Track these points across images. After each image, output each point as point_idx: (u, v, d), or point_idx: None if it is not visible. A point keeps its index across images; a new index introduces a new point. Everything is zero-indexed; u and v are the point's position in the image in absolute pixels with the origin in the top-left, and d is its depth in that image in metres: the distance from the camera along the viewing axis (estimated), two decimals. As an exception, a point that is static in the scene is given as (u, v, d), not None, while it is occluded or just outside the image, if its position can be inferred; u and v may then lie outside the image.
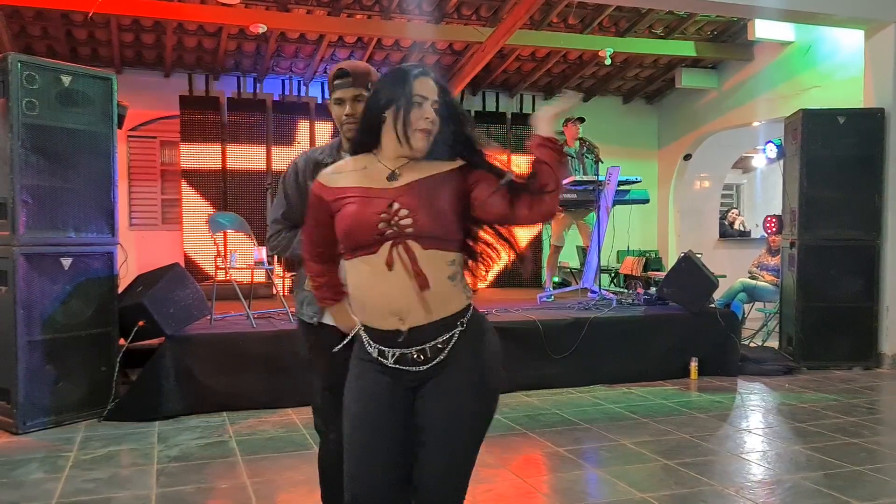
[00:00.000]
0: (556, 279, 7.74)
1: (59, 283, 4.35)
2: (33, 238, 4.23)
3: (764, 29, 7.53)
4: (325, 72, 8.35)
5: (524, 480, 3.48)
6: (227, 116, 8.18)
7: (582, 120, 7.18)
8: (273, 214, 2.39)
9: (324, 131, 8.40)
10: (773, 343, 6.78)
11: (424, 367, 1.76)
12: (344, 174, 1.81)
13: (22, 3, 6.14)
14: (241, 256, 6.21)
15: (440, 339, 1.76)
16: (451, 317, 1.78)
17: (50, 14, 6.79)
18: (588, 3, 7.11)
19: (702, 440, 4.08)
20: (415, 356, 1.75)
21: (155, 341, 4.68)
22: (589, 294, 6.60)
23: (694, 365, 5.66)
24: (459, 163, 1.81)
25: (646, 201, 7.28)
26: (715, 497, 3.23)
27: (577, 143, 7.14)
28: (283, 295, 6.07)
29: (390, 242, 1.70)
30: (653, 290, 6.93)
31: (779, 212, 6.81)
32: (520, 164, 8.72)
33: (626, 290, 7.71)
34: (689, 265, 6.05)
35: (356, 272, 1.77)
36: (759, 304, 7.67)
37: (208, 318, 5.11)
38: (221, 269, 5.81)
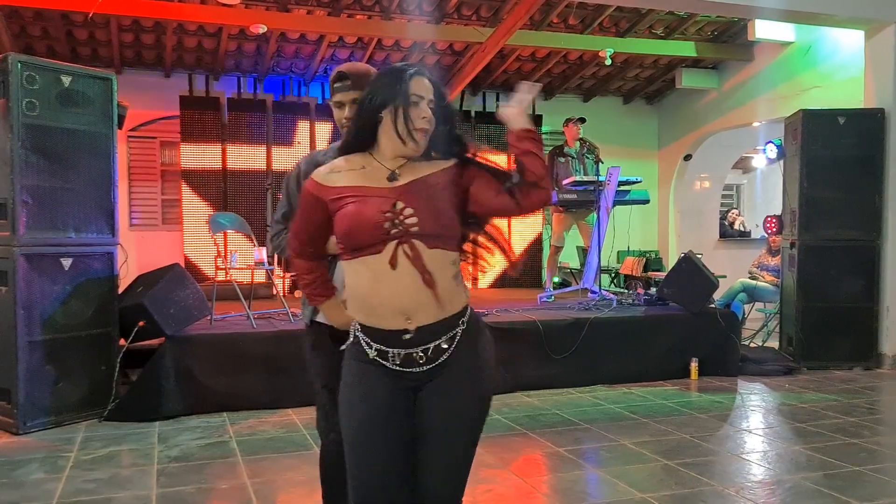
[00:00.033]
0: (556, 279, 7.74)
1: (59, 284, 4.35)
2: (33, 238, 4.23)
3: (764, 29, 7.53)
4: (326, 72, 8.36)
5: (524, 480, 3.48)
6: (228, 117, 8.18)
7: (583, 120, 7.18)
8: (276, 215, 2.44)
9: (324, 132, 8.40)
10: (774, 343, 6.78)
11: (427, 368, 1.76)
12: (342, 173, 1.79)
13: (22, 3, 6.14)
14: (242, 257, 6.21)
15: (444, 339, 1.76)
16: (453, 316, 1.78)
17: (50, 14, 6.79)
18: (588, 4, 7.11)
19: (702, 440, 4.08)
20: (419, 356, 1.75)
21: (155, 341, 4.67)
22: (589, 294, 6.60)
23: (694, 365, 5.66)
24: (453, 161, 1.83)
25: (646, 202, 7.28)
26: (715, 497, 3.23)
27: (578, 143, 7.14)
28: (283, 295, 6.07)
29: (395, 242, 1.71)
30: (653, 290, 6.93)
31: (779, 212, 6.81)
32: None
33: (626, 291, 7.71)
34: (689, 265, 6.05)
35: (358, 272, 1.75)
36: (759, 305, 7.67)
37: (208, 318, 5.11)
38: (222, 269, 5.81)
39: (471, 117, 9.04)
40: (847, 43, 7.09)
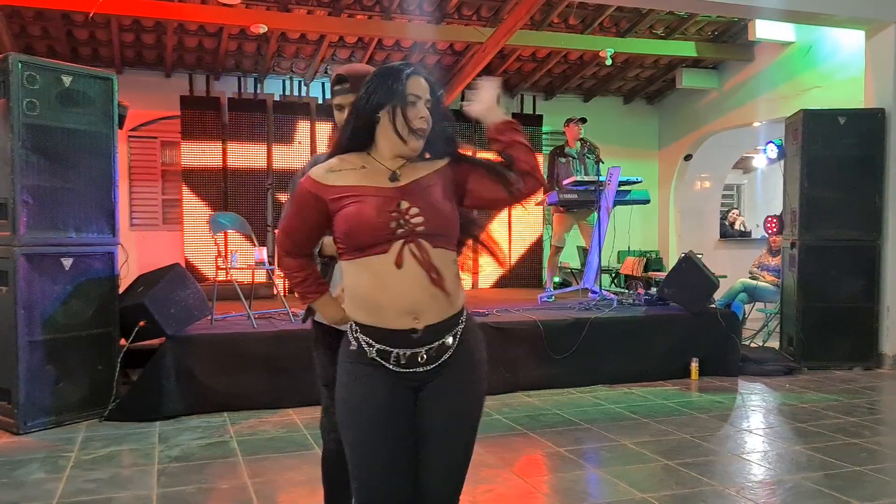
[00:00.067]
0: (556, 279, 7.74)
1: (59, 284, 4.35)
2: (34, 238, 4.23)
3: (764, 29, 7.53)
4: (326, 72, 8.36)
5: (525, 480, 3.49)
6: (228, 116, 8.18)
7: (584, 120, 7.17)
8: (283, 221, 2.44)
9: (325, 132, 8.40)
10: (774, 343, 6.78)
11: (430, 367, 1.76)
12: (342, 173, 1.77)
13: (22, 3, 6.14)
14: (242, 256, 6.21)
15: (447, 338, 1.77)
16: (455, 315, 1.80)
17: (50, 14, 6.79)
18: (589, 4, 7.11)
19: (702, 440, 4.08)
20: (422, 356, 1.75)
21: (156, 341, 4.67)
22: (590, 294, 6.60)
23: (694, 365, 5.66)
24: (446, 160, 1.84)
25: (646, 202, 7.28)
26: (716, 497, 3.23)
27: (579, 143, 7.14)
28: (284, 295, 6.07)
29: (401, 241, 1.71)
30: (653, 290, 6.93)
31: (779, 212, 6.81)
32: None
33: (626, 291, 7.72)
34: (689, 265, 6.05)
35: (361, 272, 1.74)
36: (759, 305, 7.67)
37: (209, 318, 5.11)
38: (222, 269, 5.81)
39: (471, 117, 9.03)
40: (847, 43, 7.09)
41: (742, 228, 11.41)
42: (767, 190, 12.24)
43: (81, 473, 3.53)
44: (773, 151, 6.70)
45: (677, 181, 10.01)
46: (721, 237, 10.59)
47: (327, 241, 2.05)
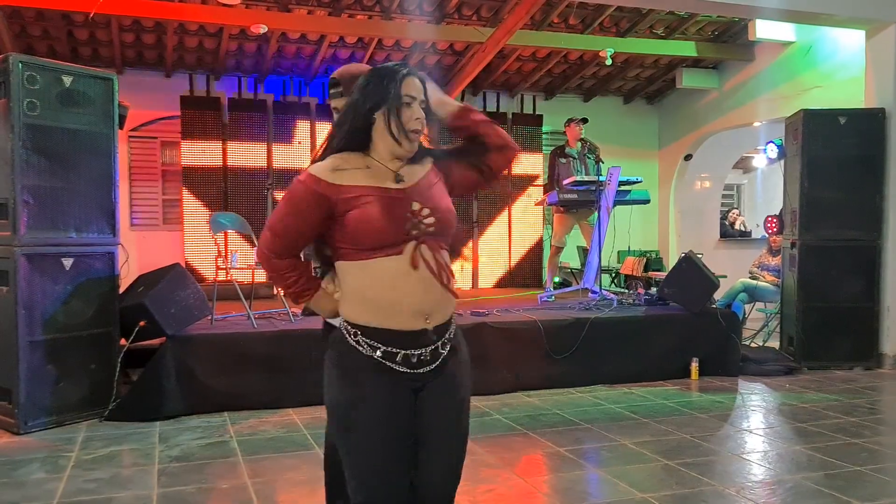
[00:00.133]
0: (556, 279, 7.74)
1: (60, 284, 4.35)
2: (34, 238, 4.23)
3: (765, 29, 7.53)
4: (326, 72, 8.36)
5: (525, 480, 3.49)
6: (228, 117, 8.18)
7: (585, 121, 7.17)
8: None
9: (325, 132, 8.38)
10: (774, 343, 6.78)
11: (432, 367, 1.78)
12: (348, 172, 1.75)
13: (23, 3, 6.15)
14: (242, 256, 6.21)
15: (445, 337, 1.81)
16: (452, 315, 1.84)
17: (51, 14, 6.79)
18: (589, 4, 7.11)
19: (703, 440, 4.08)
20: (428, 356, 1.77)
21: (156, 341, 4.67)
22: (590, 294, 6.60)
23: (695, 365, 5.66)
24: (430, 161, 1.87)
25: (646, 201, 7.28)
26: (716, 497, 3.23)
27: (579, 143, 7.13)
28: (284, 295, 6.07)
29: (413, 242, 1.72)
30: (653, 290, 6.93)
31: (779, 212, 6.81)
32: (523, 160, 8.63)
33: (626, 291, 7.72)
34: (689, 265, 6.05)
35: (371, 273, 1.73)
36: (759, 305, 7.67)
37: (209, 318, 5.11)
38: (222, 269, 5.81)
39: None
40: (848, 43, 7.09)
41: (742, 228, 11.41)
42: (767, 190, 12.24)
43: (82, 473, 3.53)
44: (773, 151, 6.70)
45: (677, 181, 10.01)
46: (721, 237, 10.59)
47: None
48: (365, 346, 1.74)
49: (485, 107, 9.24)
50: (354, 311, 1.77)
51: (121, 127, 4.72)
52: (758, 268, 7.66)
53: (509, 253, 9.16)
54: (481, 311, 5.76)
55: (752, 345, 6.95)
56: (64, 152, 4.36)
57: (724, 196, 11.28)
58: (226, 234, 7.06)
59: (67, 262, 4.39)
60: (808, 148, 6.08)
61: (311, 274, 1.86)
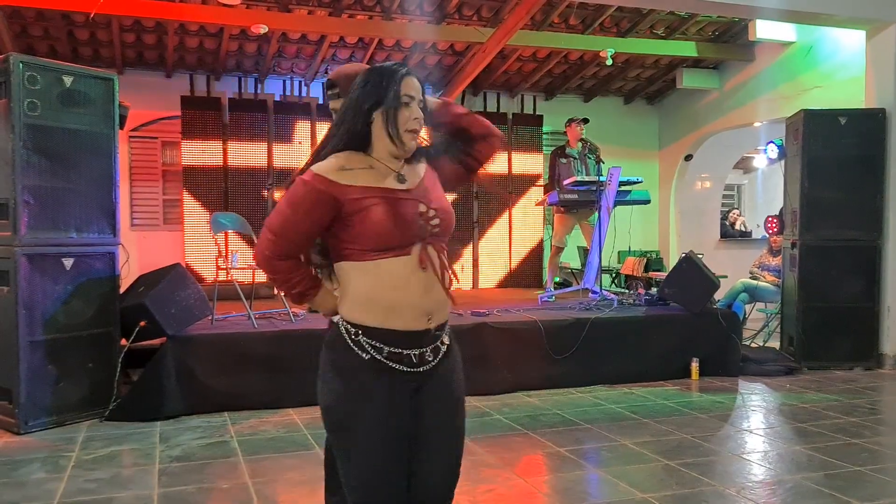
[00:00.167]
0: (557, 279, 7.74)
1: (60, 284, 4.36)
2: (35, 238, 4.24)
3: (765, 29, 7.53)
4: (327, 72, 8.36)
5: (525, 480, 3.49)
6: (229, 117, 8.18)
7: (586, 121, 7.17)
8: None
9: (325, 132, 8.39)
10: (775, 343, 6.78)
11: (431, 366, 1.79)
12: (354, 172, 1.74)
13: (23, 3, 6.15)
14: (243, 256, 6.21)
15: (443, 336, 1.83)
16: (448, 315, 1.86)
17: (51, 14, 6.79)
18: (589, 4, 7.11)
19: (703, 440, 4.08)
20: (430, 355, 1.78)
21: (156, 341, 4.68)
22: (590, 294, 6.60)
23: (695, 365, 5.66)
24: (424, 161, 1.88)
25: (647, 202, 7.28)
26: (716, 497, 3.23)
27: (580, 143, 7.13)
28: (284, 295, 6.08)
29: (420, 244, 1.74)
30: (654, 290, 6.93)
31: (780, 212, 6.81)
32: (521, 161, 8.65)
33: (627, 291, 7.72)
34: (689, 265, 6.05)
35: (378, 274, 1.72)
36: (760, 305, 7.67)
37: (210, 318, 5.11)
38: (223, 269, 5.81)
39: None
40: (848, 43, 7.09)
41: (742, 228, 11.41)
42: (768, 190, 12.24)
43: (82, 473, 3.53)
44: (773, 151, 6.70)
45: (678, 181, 10.01)
46: (721, 237, 10.59)
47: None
48: (366, 346, 1.74)
49: (485, 107, 9.24)
50: (356, 311, 1.76)
51: (121, 127, 4.72)
52: (758, 268, 7.66)
53: (510, 253, 9.16)
54: (482, 311, 5.76)
55: (753, 345, 6.95)
56: (64, 152, 4.36)
57: (724, 196, 11.28)
58: (226, 234, 7.06)
59: (68, 263, 4.39)
60: (809, 148, 6.08)
61: (312, 273, 1.84)
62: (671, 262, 8.72)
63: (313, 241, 1.79)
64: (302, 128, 8.37)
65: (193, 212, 7.97)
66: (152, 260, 6.02)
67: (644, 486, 3.35)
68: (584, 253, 7.69)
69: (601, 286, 6.67)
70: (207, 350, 4.72)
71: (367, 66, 1.87)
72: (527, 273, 9.16)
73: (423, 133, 1.87)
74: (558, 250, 7.20)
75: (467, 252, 9.01)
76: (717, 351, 5.78)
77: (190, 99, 8.11)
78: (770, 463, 3.73)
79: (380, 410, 1.75)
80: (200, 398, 4.63)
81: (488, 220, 9.13)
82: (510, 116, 9.30)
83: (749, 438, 4.19)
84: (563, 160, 7.07)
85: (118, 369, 4.55)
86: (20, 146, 4.14)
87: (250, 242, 6.19)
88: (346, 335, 1.76)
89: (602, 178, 6.49)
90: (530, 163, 9.19)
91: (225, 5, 6.62)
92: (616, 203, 6.71)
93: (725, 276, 6.96)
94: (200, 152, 8.03)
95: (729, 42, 8.47)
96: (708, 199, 10.41)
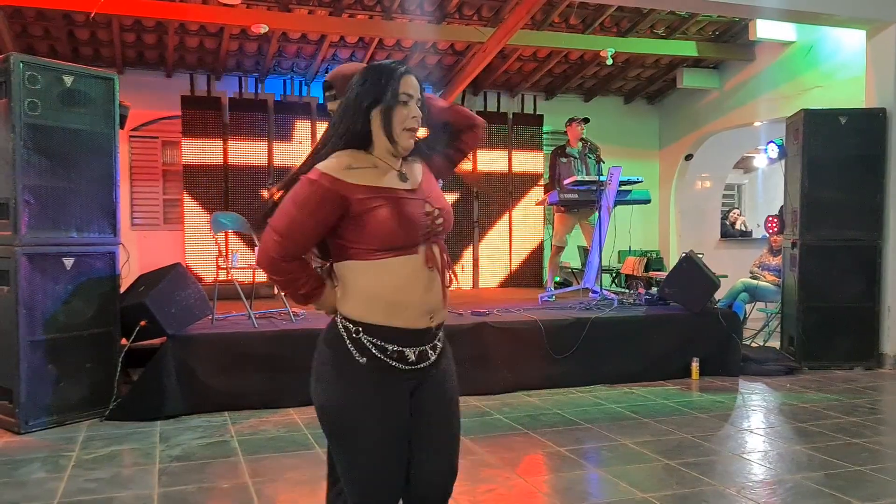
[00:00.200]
0: (557, 279, 7.74)
1: (61, 283, 4.36)
2: (35, 238, 4.24)
3: (765, 29, 7.53)
4: (327, 72, 8.36)
5: (525, 480, 3.49)
6: (229, 116, 8.18)
7: (587, 120, 7.17)
8: None
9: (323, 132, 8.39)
10: (775, 343, 6.78)
11: (427, 364, 1.79)
12: (360, 171, 1.73)
13: (23, 3, 6.15)
14: (243, 256, 6.21)
15: (439, 335, 1.84)
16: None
17: (52, 14, 6.79)
18: (589, 4, 7.11)
19: (703, 440, 4.08)
20: (430, 353, 1.79)
21: (157, 341, 4.68)
22: (590, 294, 6.60)
23: (695, 365, 5.66)
24: (420, 159, 1.88)
25: (647, 201, 7.27)
26: (716, 497, 3.23)
27: (580, 143, 7.13)
28: (285, 294, 6.08)
29: (426, 243, 1.75)
30: (654, 290, 6.93)
31: (780, 212, 6.81)
32: (521, 160, 8.65)
33: (627, 290, 7.72)
34: (690, 265, 6.05)
35: (385, 273, 1.72)
36: (760, 304, 7.67)
37: (210, 317, 5.11)
38: (223, 268, 5.82)
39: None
40: (848, 42, 7.09)
41: (743, 228, 11.40)
42: (768, 190, 12.24)
43: (82, 473, 3.53)
44: (773, 151, 6.70)
45: (678, 181, 10.01)
46: (722, 237, 10.59)
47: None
48: (366, 344, 1.74)
49: (485, 107, 9.25)
50: (358, 309, 1.75)
51: (122, 127, 4.72)
52: (758, 268, 7.66)
53: (510, 253, 9.16)
54: (482, 310, 5.76)
55: (753, 345, 6.95)
56: (65, 152, 4.36)
57: (724, 196, 11.28)
58: (226, 233, 7.06)
59: (68, 262, 4.39)
60: (809, 148, 6.08)
61: (316, 273, 1.82)
62: (671, 261, 8.72)
63: (318, 242, 1.78)
64: (302, 127, 8.37)
65: (193, 211, 7.97)
66: (152, 260, 6.03)
67: (644, 485, 3.35)
68: (585, 252, 7.69)
69: (601, 286, 6.67)
70: (208, 350, 4.72)
71: (364, 65, 1.85)
72: (527, 273, 9.16)
73: (422, 132, 1.87)
74: (559, 250, 7.20)
75: (468, 252, 9.01)
76: (717, 350, 5.78)
77: (190, 98, 8.11)
78: (770, 463, 3.73)
79: (379, 409, 1.75)
80: (201, 398, 4.63)
81: (489, 221, 9.13)
82: (510, 116, 9.30)
83: (749, 438, 4.19)
84: (564, 160, 7.07)
85: (118, 369, 4.55)
86: (21, 146, 4.14)
87: (250, 242, 6.19)
88: (345, 333, 1.75)
89: (602, 178, 6.49)
90: (531, 162, 9.19)
91: (225, 5, 6.62)
92: (616, 203, 6.70)
93: (726, 276, 6.96)
94: (201, 152, 8.03)
95: (729, 42, 8.47)
96: (708, 198, 10.41)
